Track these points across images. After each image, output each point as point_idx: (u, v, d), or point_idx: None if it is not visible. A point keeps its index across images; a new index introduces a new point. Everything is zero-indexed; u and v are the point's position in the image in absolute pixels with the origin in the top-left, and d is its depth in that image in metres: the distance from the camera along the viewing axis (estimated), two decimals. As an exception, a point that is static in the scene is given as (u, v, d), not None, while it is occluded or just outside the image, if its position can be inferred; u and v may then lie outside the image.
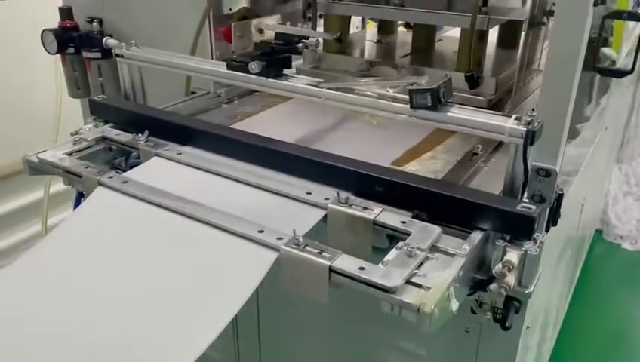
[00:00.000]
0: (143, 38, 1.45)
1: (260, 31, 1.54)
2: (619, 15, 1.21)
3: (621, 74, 1.36)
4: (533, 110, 0.85)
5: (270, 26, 1.09)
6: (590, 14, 0.92)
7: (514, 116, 0.85)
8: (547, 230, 0.99)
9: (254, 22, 1.58)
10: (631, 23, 1.34)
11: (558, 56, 0.90)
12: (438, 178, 1.03)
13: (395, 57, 1.54)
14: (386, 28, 1.74)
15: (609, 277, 2.78)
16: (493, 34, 1.59)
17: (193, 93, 1.49)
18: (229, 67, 1.10)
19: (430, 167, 1.07)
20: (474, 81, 1.29)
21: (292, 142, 1.15)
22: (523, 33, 1.29)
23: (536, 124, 0.84)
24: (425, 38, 1.55)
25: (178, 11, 1.46)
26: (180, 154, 1.05)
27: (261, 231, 0.82)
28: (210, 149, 1.08)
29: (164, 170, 1.03)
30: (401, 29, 1.79)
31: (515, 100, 1.34)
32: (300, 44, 1.10)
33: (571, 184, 1.25)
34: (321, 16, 1.52)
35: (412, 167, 1.07)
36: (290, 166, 1.00)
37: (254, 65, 1.03)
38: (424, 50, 1.56)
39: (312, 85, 1.02)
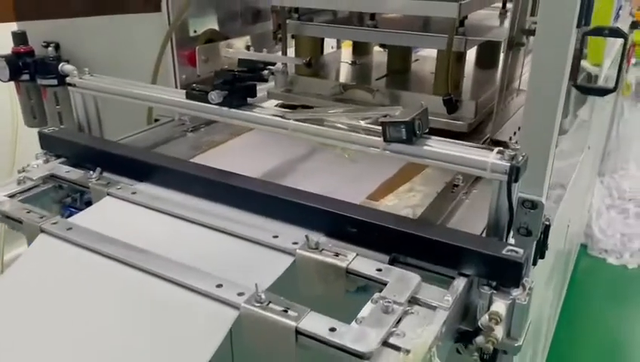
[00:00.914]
0: (102, 64, 1.37)
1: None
2: (600, 32, 1.15)
3: (603, 92, 1.31)
4: (515, 141, 0.77)
5: (232, 52, 1.01)
6: (574, 36, 0.86)
7: (496, 150, 0.78)
8: (535, 263, 0.92)
9: (222, 44, 1.50)
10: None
11: (540, 84, 0.84)
12: (417, 213, 0.95)
13: (371, 80, 1.46)
14: (361, 48, 1.67)
15: (596, 294, 2.73)
16: (471, 53, 1.54)
17: (157, 120, 1.40)
18: (188, 96, 1.02)
19: (408, 201, 0.99)
20: (452, 105, 1.22)
21: (260, 175, 1.07)
22: (502, 54, 1.23)
23: (521, 158, 0.77)
24: (400, 59, 1.49)
25: (139, 34, 1.37)
26: (135, 193, 0.96)
27: (219, 286, 0.73)
28: (169, 186, 0.99)
29: (115, 212, 0.94)
30: (377, 48, 1.73)
31: (496, 123, 1.28)
32: (266, 71, 1.01)
33: (557, 210, 1.19)
34: (293, 37, 1.45)
35: (389, 202, 0.99)
36: (256, 205, 0.91)
37: (214, 95, 0.95)
38: (400, 71, 1.49)
39: (277, 116, 0.94)
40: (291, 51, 1.47)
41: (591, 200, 3.08)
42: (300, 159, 1.15)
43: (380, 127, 0.83)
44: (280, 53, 1.44)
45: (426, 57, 1.61)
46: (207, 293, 0.72)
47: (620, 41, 1.94)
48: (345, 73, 1.55)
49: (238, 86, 0.97)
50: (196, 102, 1.01)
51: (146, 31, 1.35)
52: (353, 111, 0.89)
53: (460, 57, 1.25)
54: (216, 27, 1.52)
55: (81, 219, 0.92)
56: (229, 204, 0.93)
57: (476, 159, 0.78)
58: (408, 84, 1.44)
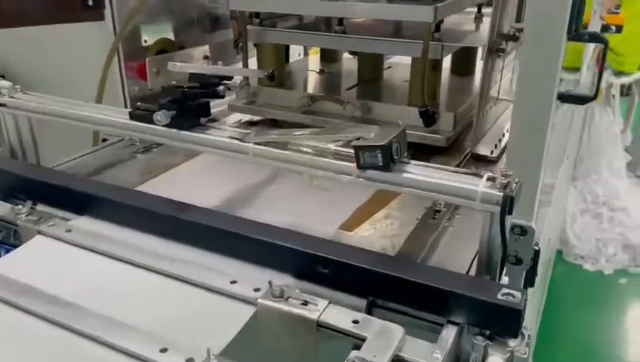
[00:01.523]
0: (42, 79, 1.22)
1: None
2: (580, 37, 1.07)
3: (583, 100, 1.23)
4: (497, 154, 0.67)
5: (179, 66, 0.89)
6: (564, 44, 0.77)
7: (485, 176, 0.68)
8: (524, 294, 0.83)
9: (177, 55, 1.37)
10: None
11: (528, 97, 0.75)
12: (396, 244, 0.84)
13: (341, 90, 1.36)
14: (329, 55, 1.58)
15: (574, 301, 2.68)
16: (445, 61, 1.45)
17: (105, 140, 1.26)
18: (132, 117, 0.89)
19: (386, 230, 0.88)
20: (430, 118, 1.12)
21: (218, 204, 0.95)
22: (481, 61, 1.14)
23: (514, 185, 0.67)
24: (372, 67, 1.39)
25: (82, 46, 1.23)
26: (70, 231, 0.83)
27: (164, 351, 0.60)
28: (111, 220, 0.86)
29: (47, 254, 0.80)
30: (346, 55, 1.63)
31: (477, 135, 1.19)
32: (221, 86, 0.90)
33: (542, 228, 1.10)
34: (255, 45, 1.34)
35: (364, 232, 0.88)
36: (213, 242, 0.79)
37: (161, 116, 0.82)
38: (372, 80, 1.39)
39: (235, 139, 0.82)
40: (253, 61, 1.35)
41: (565, 205, 3.04)
42: (263, 183, 1.03)
43: (353, 151, 0.73)
44: (241, 63, 1.32)
45: (398, 64, 1.52)
46: (148, 361, 0.60)
47: (592, 46, 1.89)
48: (313, 83, 1.45)
49: (189, 104, 0.85)
50: (141, 124, 0.88)
51: (89, 42, 1.22)
52: (322, 134, 0.77)
53: (437, 65, 1.16)
54: (170, 36, 1.39)
55: (4, 264, 0.78)
56: (182, 241, 0.81)
57: (463, 188, 0.67)
58: (381, 94, 1.34)
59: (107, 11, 1.15)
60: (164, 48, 1.36)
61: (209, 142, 0.84)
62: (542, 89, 0.76)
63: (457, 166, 1.11)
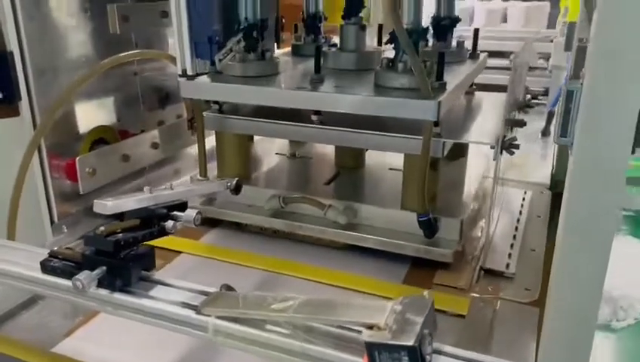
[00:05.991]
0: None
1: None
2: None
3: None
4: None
5: (110, 205, 0.64)
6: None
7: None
8: None
9: (117, 147, 1.12)
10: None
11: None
12: None
13: (317, 184, 1.13)
14: None
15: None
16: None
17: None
18: (45, 270, 0.64)
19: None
20: (432, 228, 0.93)
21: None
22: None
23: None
24: (353, 153, 1.20)
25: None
26: None
27: None
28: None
29: None
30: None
31: (488, 243, 1.00)
32: (170, 221, 0.66)
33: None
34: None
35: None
36: None
37: (82, 281, 0.58)
38: (353, 167, 1.20)
39: (190, 307, 0.59)
40: (211, 140, 1.12)
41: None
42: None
43: (360, 338, 0.51)
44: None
45: None
46: None
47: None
48: (284, 173, 1.23)
49: (124, 255, 0.61)
50: (58, 281, 0.63)
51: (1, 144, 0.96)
52: (310, 313, 0.55)
53: (436, 164, 0.96)
54: (109, 121, 1.15)
55: None
56: None
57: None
58: (366, 190, 1.13)
59: (24, 104, 0.91)
60: (101, 137, 1.12)
61: (150, 312, 0.60)
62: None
63: (470, 285, 0.91)
